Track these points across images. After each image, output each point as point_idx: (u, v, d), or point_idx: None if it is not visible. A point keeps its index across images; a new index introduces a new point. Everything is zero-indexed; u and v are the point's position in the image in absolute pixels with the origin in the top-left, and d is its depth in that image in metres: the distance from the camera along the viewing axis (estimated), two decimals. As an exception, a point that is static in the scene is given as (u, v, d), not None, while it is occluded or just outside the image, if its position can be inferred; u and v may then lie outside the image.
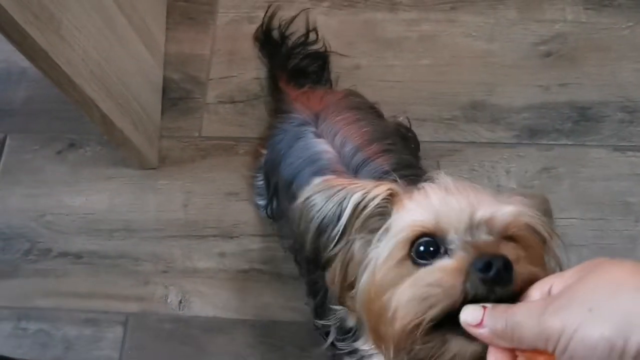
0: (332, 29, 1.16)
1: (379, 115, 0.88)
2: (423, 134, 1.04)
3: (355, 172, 0.71)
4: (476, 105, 1.09)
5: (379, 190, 0.52)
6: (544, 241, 0.52)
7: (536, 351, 0.38)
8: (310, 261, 0.58)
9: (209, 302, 1.01)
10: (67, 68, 0.75)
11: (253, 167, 1.04)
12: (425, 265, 0.47)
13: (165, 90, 1.14)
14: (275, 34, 1.11)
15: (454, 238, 0.47)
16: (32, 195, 1.10)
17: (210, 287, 1.02)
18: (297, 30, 1.11)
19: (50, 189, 1.11)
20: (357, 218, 0.52)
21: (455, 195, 0.49)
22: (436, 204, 0.49)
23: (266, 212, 0.96)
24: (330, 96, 0.85)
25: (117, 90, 0.91)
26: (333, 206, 0.52)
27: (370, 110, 0.86)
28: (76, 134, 1.14)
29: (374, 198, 0.52)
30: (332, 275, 0.55)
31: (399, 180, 0.57)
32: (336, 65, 1.10)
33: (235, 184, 1.07)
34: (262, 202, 1.00)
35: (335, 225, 0.52)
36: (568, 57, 1.11)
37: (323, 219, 0.52)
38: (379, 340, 0.51)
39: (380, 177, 0.69)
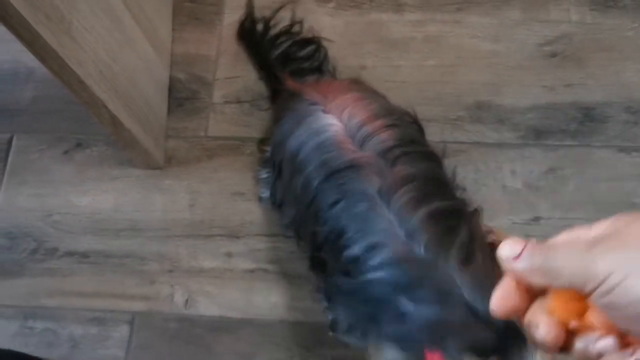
0: (337, 30, 1.16)
1: (384, 98, 0.89)
2: (428, 134, 1.03)
3: (360, 145, 0.72)
4: (481, 106, 1.10)
5: None
6: None
7: (561, 293, 0.36)
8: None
9: (215, 301, 1.01)
10: (78, 69, 0.75)
11: (258, 161, 1.04)
12: None
13: (171, 91, 1.15)
14: (260, 27, 1.07)
15: None
16: (39, 195, 1.11)
17: (216, 287, 1.02)
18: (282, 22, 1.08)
19: (56, 189, 1.11)
20: None
21: None
22: None
23: (272, 202, 0.95)
24: (337, 83, 0.86)
25: (125, 91, 0.92)
26: None
27: (376, 93, 0.87)
28: (83, 134, 1.14)
29: None
30: None
31: None
32: (342, 65, 1.10)
33: (242, 183, 1.07)
34: (265, 194, 0.99)
35: None
36: (573, 57, 1.11)
37: None
38: None
39: (385, 152, 0.71)
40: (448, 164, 1.04)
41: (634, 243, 0.33)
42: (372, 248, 0.68)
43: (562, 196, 1.02)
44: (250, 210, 1.06)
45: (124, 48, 0.93)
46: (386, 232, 0.67)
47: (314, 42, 1.06)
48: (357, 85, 0.88)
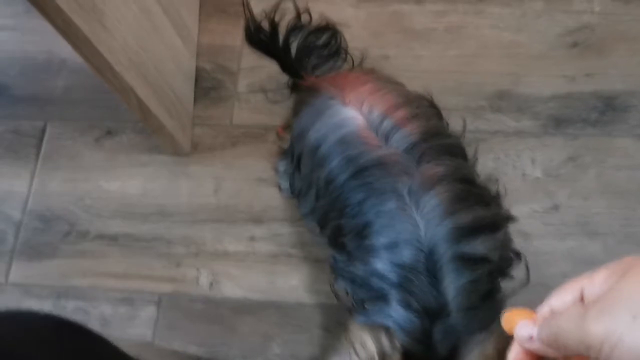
0: (360, 21, 1.18)
1: (401, 85, 0.89)
2: (449, 123, 1.06)
3: (385, 139, 0.72)
4: (502, 95, 1.11)
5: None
6: None
7: (582, 357, 0.37)
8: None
9: (239, 284, 1.04)
10: (108, 55, 0.79)
11: (277, 152, 1.06)
12: None
13: (197, 80, 1.18)
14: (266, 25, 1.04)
15: None
16: (72, 180, 1.15)
17: (240, 270, 1.05)
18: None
19: (88, 174, 1.15)
20: None
21: None
22: None
23: (291, 192, 0.96)
24: (353, 74, 0.87)
25: (153, 78, 0.95)
26: None
27: (393, 82, 0.87)
28: (113, 122, 1.18)
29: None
30: None
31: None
32: (364, 56, 1.12)
33: (265, 170, 1.10)
34: (285, 186, 1.01)
35: None
36: (595, 47, 1.11)
37: None
38: None
39: (411, 148, 0.70)
40: (469, 151, 1.07)
41: (625, 303, 0.34)
42: (394, 245, 0.68)
43: (582, 185, 1.03)
44: (273, 196, 1.08)
45: (153, 37, 0.96)
46: (411, 235, 0.67)
47: (329, 29, 1.06)
48: (375, 74, 0.89)
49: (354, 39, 1.10)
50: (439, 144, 0.74)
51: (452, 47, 1.16)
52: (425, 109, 0.83)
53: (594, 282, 0.38)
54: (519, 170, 1.05)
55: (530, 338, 0.40)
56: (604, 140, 1.05)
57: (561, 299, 0.40)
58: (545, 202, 1.03)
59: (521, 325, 0.41)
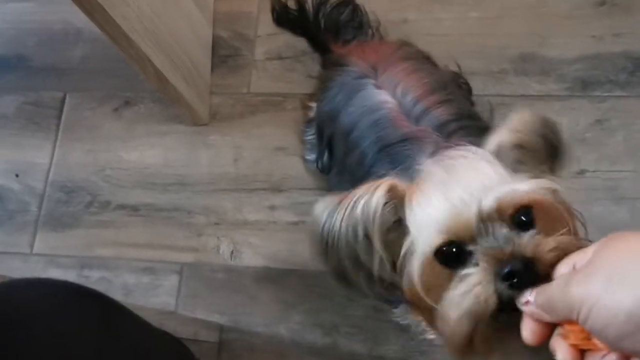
0: (379, -16, 1.15)
1: (434, 65, 0.87)
2: (472, 87, 1.04)
3: (416, 121, 0.72)
4: (526, 58, 1.07)
5: (380, 192, 0.53)
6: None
7: (571, 322, 0.40)
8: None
9: (259, 252, 1.04)
10: (122, 23, 0.78)
11: (302, 121, 1.05)
12: (455, 268, 0.50)
13: (214, 48, 1.17)
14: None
15: (471, 246, 0.49)
16: (92, 150, 1.16)
17: (261, 239, 1.05)
18: None
19: (108, 145, 1.16)
20: (374, 224, 0.52)
21: (455, 189, 0.50)
22: (441, 209, 0.50)
23: (317, 166, 0.96)
24: (385, 47, 0.85)
25: (169, 47, 0.94)
26: (346, 225, 0.53)
27: (425, 61, 0.85)
28: (131, 91, 1.18)
29: (378, 201, 0.52)
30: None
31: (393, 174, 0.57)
32: (384, 19, 1.09)
33: (284, 139, 1.09)
34: (311, 157, 1.01)
35: (358, 240, 0.53)
36: (622, 6, 1.07)
37: (345, 239, 0.53)
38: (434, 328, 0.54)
39: (441, 126, 0.70)
40: (491, 117, 1.04)
41: (601, 269, 0.37)
42: None
43: (609, 148, 1.00)
44: (292, 165, 1.07)
45: (168, 5, 0.95)
46: None
47: (349, 2, 1.05)
48: (407, 50, 0.86)
49: (373, 2, 1.08)
50: (470, 125, 0.73)
51: (474, 9, 1.12)
52: (457, 92, 0.82)
53: (585, 256, 0.41)
54: (544, 134, 1.03)
55: (527, 302, 0.43)
56: (632, 102, 1.02)
57: (559, 271, 0.44)
58: (572, 167, 1.00)
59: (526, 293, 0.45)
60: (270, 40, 1.16)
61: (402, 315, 0.82)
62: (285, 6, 1.01)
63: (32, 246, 1.11)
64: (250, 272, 1.04)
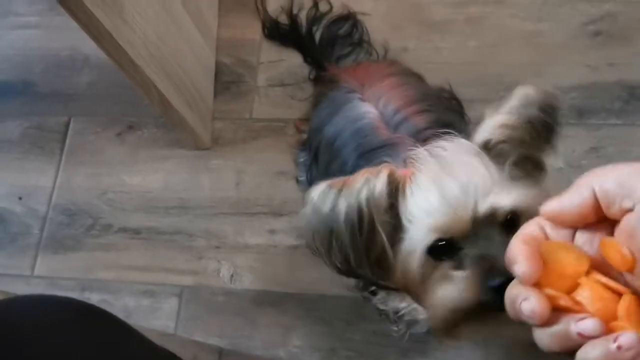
0: (380, 13, 1.18)
1: (421, 80, 0.90)
2: (470, 115, 1.05)
3: (395, 129, 0.74)
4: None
5: (383, 176, 0.54)
6: None
7: (562, 267, 0.35)
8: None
9: (260, 276, 1.05)
10: (129, 49, 0.80)
11: (296, 144, 1.07)
12: (441, 260, 0.52)
13: (217, 74, 1.19)
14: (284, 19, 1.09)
15: (461, 243, 0.51)
16: (95, 174, 1.17)
17: (261, 262, 1.06)
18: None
19: (111, 169, 1.17)
20: (374, 209, 0.54)
21: (451, 187, 0.52)
22: (437, 206, 0.52)
23: (307, 183, 0.97)
24: (374, 67, 0.88)
25: (173, 72, 0.96)
26: (349, 208, 0.54)
27: (413, 76, 0.88)
28: (134, 116, 1.20)
29: (383, 184, 0.54)
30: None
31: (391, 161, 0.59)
32: (384, 47, 1.12)
33: (285, 164, 1.10)
34: (303, 178, 1.02)
35: (359, 226, 0.54)
36: (617, 36, 1.09)
37: (350, 222, 0.54)
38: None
39: (417, 133, 0.72)
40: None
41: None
42: None
43: (605, 175, 1.01)
44: (292, 189, 1.09)
45: (173, 32, 0.97)
46: None
47: (350, 17, 1.07)
48: (395, 67, 0.89)
49: (374, 30, 1.11)
50: (448, 133, 0.75)
51: (472, 38, 1.15)
52: (440, 104, 0.84)
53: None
54: (541, 161, 1.04)
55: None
56: (627, 130, 1.04)
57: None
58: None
59: None
60: (272, 67, 1.19)
61: (383, 301, 0.83)
62: (276, 21, 1.04)
63: (33, 268, 1.12)
64: (250, 296, 1.04)
